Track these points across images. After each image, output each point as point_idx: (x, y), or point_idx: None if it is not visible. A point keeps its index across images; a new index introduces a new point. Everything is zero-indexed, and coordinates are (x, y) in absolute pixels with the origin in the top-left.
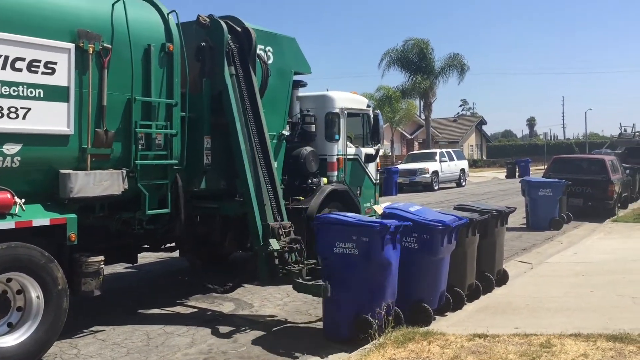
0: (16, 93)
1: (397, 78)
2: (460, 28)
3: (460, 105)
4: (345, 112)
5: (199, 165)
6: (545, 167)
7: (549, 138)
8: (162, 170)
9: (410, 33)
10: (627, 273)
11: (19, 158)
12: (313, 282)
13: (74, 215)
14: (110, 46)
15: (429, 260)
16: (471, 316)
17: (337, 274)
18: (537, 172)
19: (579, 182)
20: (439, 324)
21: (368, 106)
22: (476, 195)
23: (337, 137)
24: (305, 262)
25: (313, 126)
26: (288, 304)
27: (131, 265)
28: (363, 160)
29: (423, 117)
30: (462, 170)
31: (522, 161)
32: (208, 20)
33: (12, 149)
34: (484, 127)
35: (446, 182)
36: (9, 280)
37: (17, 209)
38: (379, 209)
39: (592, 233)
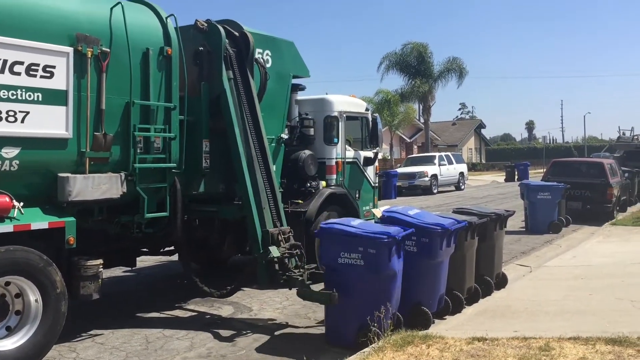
0: (15, 97)
1: (396, 82)
2: (459, 32)
3: (460, 109)
4: (344, 115)
5: (198, 169)
6: (544, 170)
7: (548, 141)
8: (161, 173)
9: (410, 37)
10: (626, 276)
11: (17, 161)
12: (320, 291)
13: (72, 219)
14: (108, 50)
15: (428, 264)
16: (470, 319)
17: (341, 284)
18: (536, 175)
19: (577, 186)
20: (438, 328)
21: (367, 109)
22: (475, 199)
23: (335, 140)
24: (305, 266)
25: (312, 129)
26: (287, 307)
27: (130, 268)
28: (362, 163)
29: (422, 120)
30: (461, 173)
31: (521, 165)
32: (206, 25)
33: (10, 152)
34: (483, 131)
35: (445, 186)
36: (7, 283)
37: (15, 213)
38: (378, 212)
39: (591, 236)
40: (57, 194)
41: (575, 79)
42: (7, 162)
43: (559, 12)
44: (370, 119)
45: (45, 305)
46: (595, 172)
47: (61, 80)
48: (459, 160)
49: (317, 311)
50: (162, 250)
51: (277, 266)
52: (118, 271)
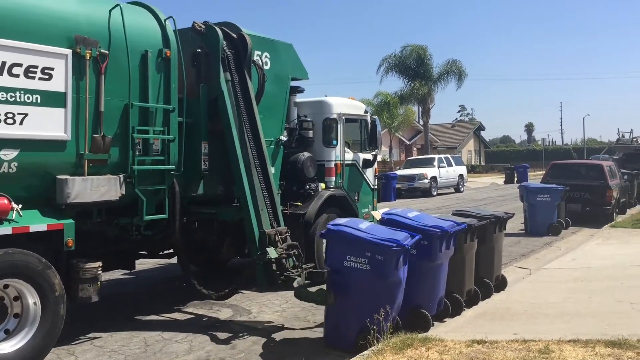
0: (13, 99)
1: (395, 84)
2: (458, 34)
3: (459, 111)
4: (343, 117)
5: (197, 171)
6: (544, 172)
7: (547, 144)
8: (160, 175)
9: (409, 39)
10: (626, 279)
11: (16, 164)
12: (316, 289)
13: (71, 221)
14: (107, 52)
15: (428, 266)
16: (470, 322)
17: (344, 287)
18: (535, 177)
19: (577, 188)
20: (438, 330)
21: (365, 112)
22: (474, 201)
23: (334, 142)
24: (303, 266)
25: (311, 132)
26: (286, 310)
27: (129, 271)
28: (361, 165)
29: (421, 122)
30: (461, 175)
31: (521, 167)
32: (203, 26)
33: (9, 154)
34: (482, 133)
35: (445, 188)
36: (5, 286)
37: (14, 215)
38: (377, 214)
39: (590, 239)
40: (55, 196)
41: (575, 81)
42: (5, 164)
43: (557, 14)
44: (369, 121)
45: (44, 308)
46: (595, 174)
47: (60, 82)
48: (458, 162)
49: (317, 314)
50: (161, 252)
51: (274, 267)
52: (117, 274)
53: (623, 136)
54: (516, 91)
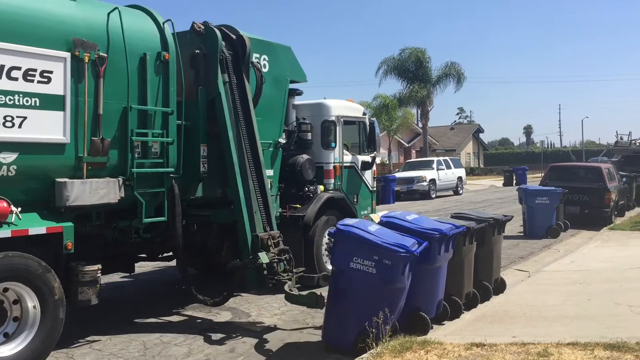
0: (12, 102)
1: (394, 86)
2: (457, 37)
3: (458, 114)
4: (342, 119)
5: (196, 173)
6: (542, 175)
7: (546, 146)
8: (159, 178)
9: (408, 42)
10: (625, 281)
11: (15, 167)
12: (306, 293)
13: (70, 224)
14: (106, 55)
15: (427, 269)
16: (469, 325)
17: (348, 288)
18: (534, 180)
19: (576, 190)
20: (437, 333)
21: (364, 114)
22: (473, 204)
23: (333, 144)
24: (294, 270)
25: (309, 134)
26: (285, 313)
27: (128, 274)
28: (359, 168)
29: (420, 125)
30: (460, 178)
31: (519, 169)
32: (202, 27)
33: (8, 157)
34: (481, 135)
35: (443, 190)
36: (5, 290)
37: (13, 218)
38: (376, 217)
39: (589, 241)
40: (54, 199)
41: (573, 83)
42: (4, 167)
43: (556, 16)
44: (367, 123)
45: (44, 312)
46: (593, 176)
47: (58, 85)
48: (457, 164)
49: (316, 317)
50: (160, 255)
51: (265, 271)
52: (116, 277)
53: (621, 138)
54: (515, 93)
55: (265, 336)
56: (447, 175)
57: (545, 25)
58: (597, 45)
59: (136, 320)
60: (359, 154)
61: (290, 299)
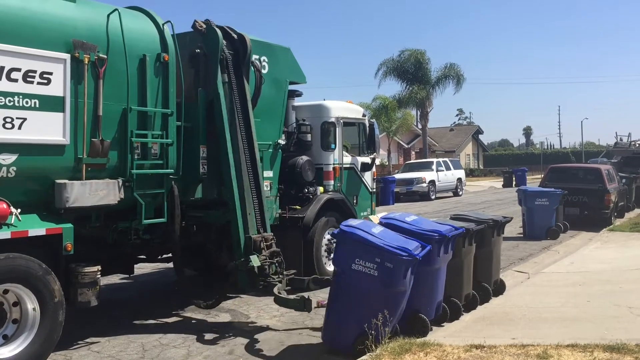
0: (12, 103)
1: (393, 88)
2: (456, 38)
3: (457, 115)
4: (341, 121)
5: (195, 175)
6: (542, 176)
7: (546, 147)
8: (158, 179)
9: (407, 43)
10: (624, 283)
11: (14, 168)
12: (294, 297)
13: (70, 225)
14: (105, 56)
15: (426, 271)
16: (468, 326)
17: (349, 290)
18: (533, 181)
19: (575, 192)
20: (436, 335)
21: (364, 115)
22: (473, 205)
23: (333, 146)
24: (285, 273)
25: (309, 135)
26: (284, 314)
27: (127, 276)
28: (359, 169)
29: (420, 126)
30: (459, 179)
31: (519, 170)
32: (204, 26)
33: (7, 159)
34: (480, 137)
35: (443, 192)
36: (5, 291)
37: (13, 219)
38: (376, 219)
39: (588, 242)
40: (54, 200)
41: (573, 84)
42: (4, 168)
43: (556, 18)
44: (367, 124)
45: (43, 314)
46: (593, 178)
47: (58, 86)
48: (457, 166)
49: (315, 319)
50: (159, 257)
51: (256, 273)
52: (115, 278)
53: (621, 140)
54: (514, 95)
55: (264, 338)
56: (447, 176)
57: (545, 27)
58: (597, 46)
59: (135, 322)
60: (359, 155)
61: (279, 301)
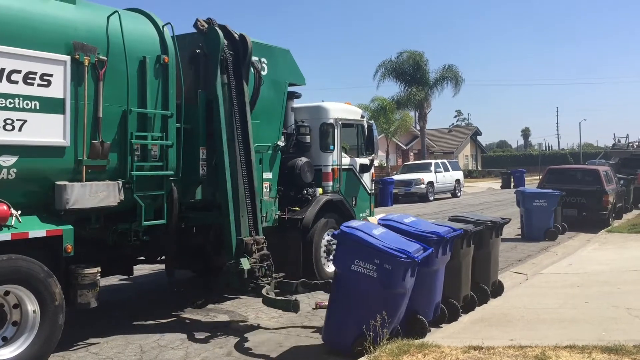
0: (12, 105)
1: (392, 89)
2: (455, 40)
3: (455, 116)
4: (340, 122)
5: (195, 176)
6: (540, 177)
7: (544, 148)
8: (158, 181)
9: (406, 45)
10: (622, 284)
11: (15, 170)
12: (282, 298)
13: (70, 227)
14: (105, 58)
15: (424, 272)
16: (466, 328)
17: (348, 291)
18: (532, 182)
19: (573, 193)
20: (434, 336)
21: (362, 117)
22: (471, 206)
23: (331, 147)
24: (274, 275)
25: (308, 137)
26: (283, 315)
27: (126, 277)
28: (358, 170)
29: (418, 127)
30: (458, 180)
31: (517, 172)
32: (206, 25)
33: (8, 160)
34: (479, 138)
35: (441, 193)
36: (6, 293)
37: (13, 221)
38: (374, 220)
39: (587, 244)
40: (54, 202)
41: (571, 86)
42: (4, 170)
43: (554, 19)
44: (365, 126)
45: (43, 317)
46: (591, 179)
47: (58, 88)
48: (455, 167)
49: (313, 320)
50: (159, 258)
51: (246, 275)
52: (114, 279)
53: (619, 141)
54: (513, 96)
55: (262, 339)
56: (445, 177)
57: (543, 28)
58: (595, 48)
59: (134, 323)
60: (357, 157)
61: (267, 302)
